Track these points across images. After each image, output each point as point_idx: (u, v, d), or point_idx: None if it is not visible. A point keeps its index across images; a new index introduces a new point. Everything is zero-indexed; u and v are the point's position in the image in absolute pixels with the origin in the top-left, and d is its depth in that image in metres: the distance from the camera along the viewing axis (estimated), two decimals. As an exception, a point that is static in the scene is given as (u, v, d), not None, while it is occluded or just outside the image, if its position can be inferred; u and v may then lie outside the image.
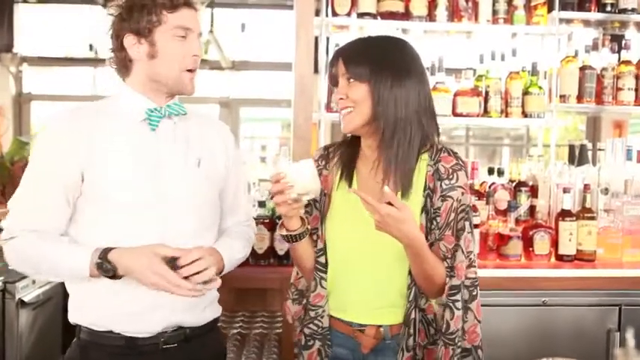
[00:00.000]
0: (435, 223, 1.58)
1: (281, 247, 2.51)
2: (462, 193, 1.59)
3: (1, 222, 1.62)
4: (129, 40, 1.56)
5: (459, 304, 1.57)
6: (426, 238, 1.57)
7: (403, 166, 1.56)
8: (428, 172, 1.60)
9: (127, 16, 1.54)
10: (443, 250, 1.58)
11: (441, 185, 1.58)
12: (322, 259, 1.67)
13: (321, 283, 1.67)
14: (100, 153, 1.55)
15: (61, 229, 1.58)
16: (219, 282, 1.53)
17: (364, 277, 1.64)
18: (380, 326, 1.63)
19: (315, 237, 1.69)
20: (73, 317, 1.62)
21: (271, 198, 1.54)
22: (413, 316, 1.59)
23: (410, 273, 1.60)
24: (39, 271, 1.60)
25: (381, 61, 1.57)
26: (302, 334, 1.69)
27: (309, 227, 1.64)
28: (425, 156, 1.61)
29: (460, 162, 1.61)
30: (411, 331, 1.59)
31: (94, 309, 1.58)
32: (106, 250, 1.49)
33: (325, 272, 1.67)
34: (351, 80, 1.57)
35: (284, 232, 1.61)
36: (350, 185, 1.65)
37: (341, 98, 1.58)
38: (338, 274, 1.66)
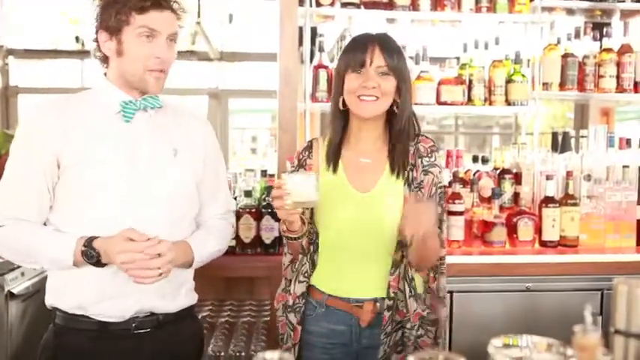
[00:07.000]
0: (420, 194, 1.75)
1: (267, 236, 2.53)
2: (440, 172, 1.81)
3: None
4: (102, 37, 1.63)
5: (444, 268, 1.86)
6: None
7: (403, 151, 1.77)
8: (410, 151, 1.79)
9: (102, 13, 1.61)
10: None
11: (422, 162, 1.78)
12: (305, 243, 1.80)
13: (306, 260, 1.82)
14: (75, 140, 1.59)
15: (43, 217, 1.63)
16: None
17: (357, 254, 1.76)
18: (376, 300, 1.74)
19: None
20: (50, 300, 1.67)
21: (271, 201, 1.66)
22: (395, 285, 1.73)
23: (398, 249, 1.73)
24: (24, 260, 1.66)
25: (405, 60, 1.76)
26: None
27: (310, 230, 1.79)
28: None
29: (435, 145, 1.83)
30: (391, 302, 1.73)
31: (70, 293, 1.63)
32: (91, 239, 1.55)
33: (305, 254, 1.80)
34: (386, 73, 1.69)
35: (286, 234, 1.74)
36: (335, 170, 1.78)
37: (373, 87, 1.69)
38: (332, 256, 1.78)
